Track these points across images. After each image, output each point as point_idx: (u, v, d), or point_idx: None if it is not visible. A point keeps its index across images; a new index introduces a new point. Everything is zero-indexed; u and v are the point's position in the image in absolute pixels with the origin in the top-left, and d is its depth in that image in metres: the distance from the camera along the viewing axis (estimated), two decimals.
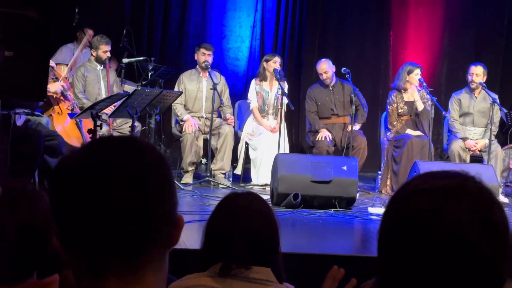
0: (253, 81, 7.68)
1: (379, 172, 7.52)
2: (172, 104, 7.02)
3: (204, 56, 7.39)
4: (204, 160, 7.98)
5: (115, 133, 6.98)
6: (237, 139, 7.45)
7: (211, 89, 7.05)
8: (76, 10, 7.14)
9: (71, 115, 6.41)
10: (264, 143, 7.27)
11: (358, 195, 6.34)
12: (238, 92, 8.87)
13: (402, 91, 7.49)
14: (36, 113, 5.59)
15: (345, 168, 6.12)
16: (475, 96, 7.57)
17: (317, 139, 7.29)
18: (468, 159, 7.39)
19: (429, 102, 7.33)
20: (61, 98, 6.62)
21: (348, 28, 9.47)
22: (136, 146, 1.07)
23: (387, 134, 7.52)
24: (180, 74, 7.63)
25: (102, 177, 1.01)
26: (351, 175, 6.10)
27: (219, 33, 9.12)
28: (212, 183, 7.06)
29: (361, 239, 5.21)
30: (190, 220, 4.82)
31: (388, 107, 7.54)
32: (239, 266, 1.97)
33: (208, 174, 7.08)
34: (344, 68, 7.26)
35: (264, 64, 7.54)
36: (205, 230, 2.08)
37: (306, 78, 9.21)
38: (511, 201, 7.04)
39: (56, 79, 6.62)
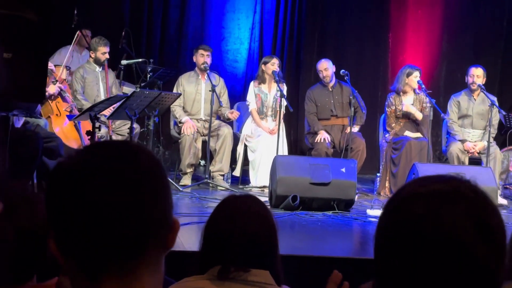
0: (251, 83, 7.68)
1: (378, 174, 7.51)
2: (171, 106, 7.02)
3: (203, 57, 7.38)
4: (202, 162, 7.98)
5: (114, 135, 6.97)
6: (235, 141, 7.45)
7: (210, 91, 7.05)
8: (75, 12, 7.14)
9: (70, 116, 6.40)
10: (263, 145, 7.27)
11: (356, 197, 6.34)
12: (237, 94, 8.87)
13: (401, 93, 7.49)
14: (35, 114, 5.58)
15: (343, 170, 6.12)
16: (474, 98, 7.57)
17: (316, 141, 7.29)
18: (466, 161, 7.39)
19: (428, 105, 7.34)
20: (59, 99, 6.62)
21: (347, 30, 9.48)
22: (132, 150, 1.08)
23: (386, 136, 7.53)
24: (179, 76, 7.63)
25: (99, 181, 1.01)
26: (349, 177, 6.10)
27: (218, 35, 9.12)
28: (210, 185, 7.05)
29: (359, 241, 5.21)
30: (189, 222, 4.82)
31: (387, 109, 7.54)
32: (238, 269, 1.97)
33: (206, 176, 7.07)
34: (343, 70, 7.26)
35: (263, 66, 7.54)
36: (204, 232, 2.08)
37: (305, 80, 9.21)
38: (510, 203, 7.04)
39: (56, 81, 6.61)
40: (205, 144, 7.21)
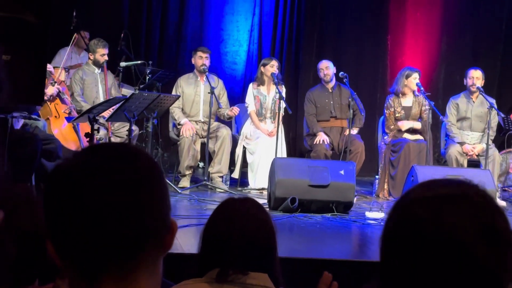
0: (250, 85, 7.68)
1: (377, 177, 7.51)
2: (170, 108, 7.02)
3: (201, 59, 7.39)
4: (201, 164, 7.98)
5: (112, 137, 6.97)
6: (234, 143, 7.45)
7: (208, 93, 7.05)
8: (74, 13, 7.14)
9: (69, 118, 6.40)
10: (262, 147, 7.27)
11: (355, 199, 6.34)
12: (236, 96, 8.88)
13: (400, 95, 7.49)
14: (33, 116, 5.58)
15: (342, 172, 6.12)
16: (473, 101, 7.57)
17: (314, 143, 7.29)
18: (465, 164, 7.40)
19: (427, 107, 7.34)
20: (58, 101, 6.61)
21: (346, 32, 9.49)
22: (130, 152, 1.08)
23: (385, 138, 7.53)
24: (177, 78, 7.63)
25: (96, 183, 1.02)
26: (348, 180, 6.10)
27: (217, 37, 9.13)
28: (209, 187, 7.05)
29: (358, 244, 5.21)
30: (187, 224, 4.81)
31: (386, 111, 7.54)
32: (236, 272, 1.97)
33: (205, 178, 7.07)
34: (342, 72, 7.27)
35: (262, 68, 7.54)
36: (202, 235, 2.08)
37: (304, 82, 9.22)
38: (509, 205, 7.04)
39: (55, 82, 6.61)
40: (204, 146, 7.21)
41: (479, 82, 7.46)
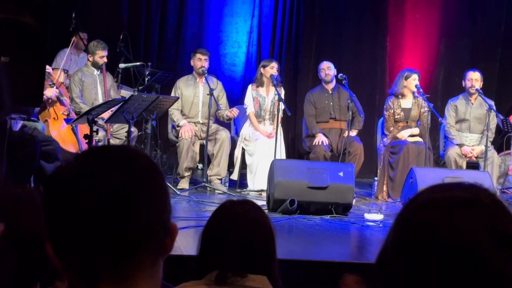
0: (249, 87, 7.68)
1: (376, 178, 7.52)
2: (169, 109, 7.02)
3: (200, 61, 7.39)
4: (200, 166, 7.97)
5: (111, 139, 6.97)
6: (233, 145, 7.45)
7: (207, 94, 7.05)
8: (73, 15, 7.14)
9: (67, 120, 6.40)
10: (261, 149, 7.26)
11: (354, 201, 6.33)
12: (235, 98, 8.88)
13: (400, 96, 7.50)
14: (32, 118, 5.58)
15: (341, 174, 6.12)
16: (472, 103, 7.58)
17: (313, 144, 7.29)
18: (464, 166, 7.40)
19: (426, 109, 7.35)
20: (57, 103, 6.61)
21: (345, 34, 9.49)
22: (130, 156, 1.08)
23: (384, 140, 7.53)
24: (176, 80, 7.63)
25: (95, 186, 1.02)
26: (347, 181, 6.10)
27: (216, 38, 9.13)
28: (208, 188, 7.05)
29: (357, 246, 5.20)
30: (186, 226, 4.81)
31: (385, 112, 7.54)
32: (235, 274, 1.97)
33: (204, 179, 7.07)
34: (341, 74, 7.28)
35: (262, 69, 7.54)
36: (201, 238, 2.08)
37: (303, 83, 9.22)
38: (508, 207, 7.03)
39: (54, 84, 6.61)
40: (203, 147, 7.21)
41: (478, 84, 7.46)
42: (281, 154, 7.22)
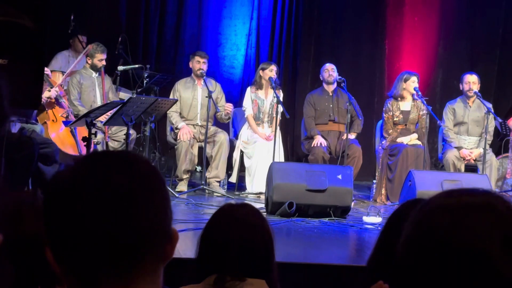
0: (248, 89, 7.68)
1: (374, 181, 7.52)
2: (167, 112, 7.02)
3: (199, 64, 7.39)
4: (199, 168, 7.97)
5: (110, 141, 6.97)
6: (232, 147, 7.44)
7: (206, 97, 7.05)
8: (72, 17, 7.13)
9: (66, 122, 6.39)
10: (259, 152, 7.26)
11: (353, 204, 6.34)
12: (234, 100, 8.86)
13: (399, 99, 7.50)
14: (31, 121, 5.58)
15: (340, 177, 6.12)
16: (470, 105, 7.58)
17: (312, 145, 7.29)
18: (462, 169, 7.40)
19: (425, 111, 7.35)
20: (56, 105, 6.60)
21: (343, 37, 9.49)
22: (130, 160, 1.08)
23: (382, 142, 7.53)
24: (175, 82, 7.63)
25: (95, 191, 1.02)
26: (346, 184, 6.10)
27: (215, 41, 9.13)
28: (206, 191, 7.04)
29: (355, 249, 5.20)
30: (185, 229, 4.81)
31: (384, 114, 7.55)
32: (234, 278, 1.96)
33: (202, 182, 7.07)
34: (340, 77, 7.28)
35: (261, 72, 7.54)
36: (200, 241, 2.08)
37: (301, 86, 9.22)
38: None
39: (52, 86, 6.60)
40: (201, 150, 7.20)
41: (475, 87, 7.46)
42: (280, 156, 7.21)
